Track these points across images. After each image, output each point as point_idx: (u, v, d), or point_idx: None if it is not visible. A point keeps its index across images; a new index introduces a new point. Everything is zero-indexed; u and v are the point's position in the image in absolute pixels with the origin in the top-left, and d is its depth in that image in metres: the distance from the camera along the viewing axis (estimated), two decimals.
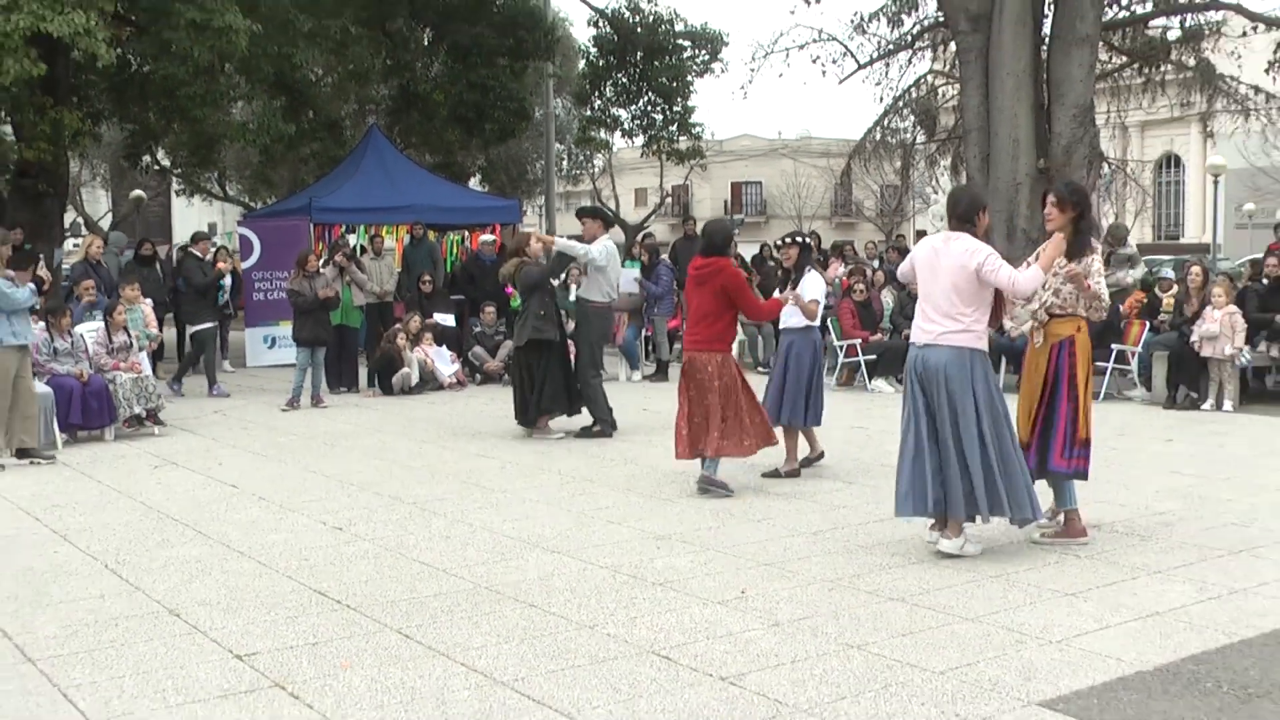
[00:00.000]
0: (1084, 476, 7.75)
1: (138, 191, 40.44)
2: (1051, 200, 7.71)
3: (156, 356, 17.39)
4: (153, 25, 18.22)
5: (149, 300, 15.41)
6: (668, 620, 6.12)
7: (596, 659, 5.55)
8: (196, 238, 17.52)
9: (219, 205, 48.37)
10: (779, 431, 9.95)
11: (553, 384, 12.16)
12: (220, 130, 21.82)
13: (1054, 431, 7.68)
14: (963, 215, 7.39)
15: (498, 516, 8.64)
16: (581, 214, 12.90)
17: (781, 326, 10.36)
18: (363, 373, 17.08)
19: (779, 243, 11.17)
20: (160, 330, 17.46)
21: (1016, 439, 7.46)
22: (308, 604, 6.50)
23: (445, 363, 16.98)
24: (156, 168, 33.04)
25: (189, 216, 57.27)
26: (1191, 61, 25.55)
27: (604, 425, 12.39)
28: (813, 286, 10.05)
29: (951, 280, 7.21)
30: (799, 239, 10.41)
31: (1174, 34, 25.62)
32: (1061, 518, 7.80)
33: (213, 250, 18.43)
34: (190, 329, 16.79)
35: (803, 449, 10.31)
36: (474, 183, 34.19)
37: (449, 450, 11.63)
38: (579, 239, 12.78)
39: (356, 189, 21.14)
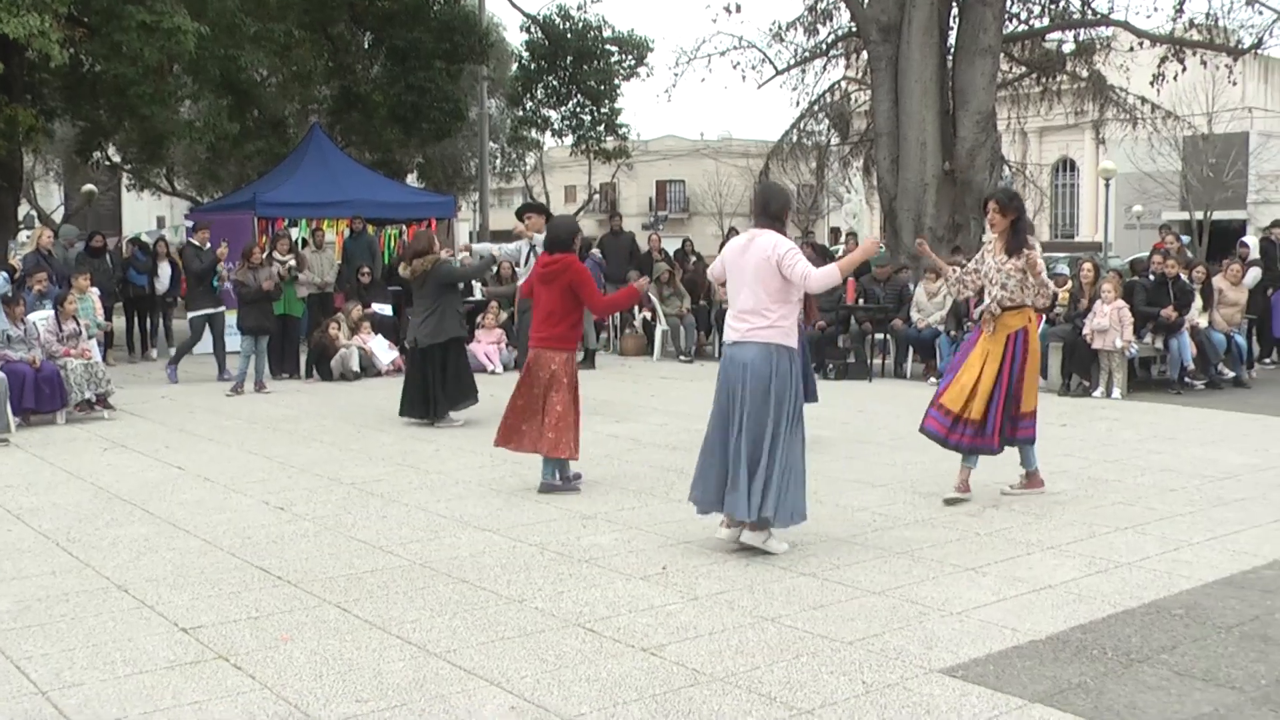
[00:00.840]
0: (1034, 440, 8.43)
1: (89, 186, 39.71)
2: (993, 207, 8.21)
3: (106, 344, 17.12)
4: (104, 27, 17.90)
5: (96, 290, 15.16)
6: (593, 595, 6.13)
7: (525, 631, 5.54)
8: (197, 227, 17.21)
9: (168, 200, 47.65)
10: None
11: (466, 377, 12.09)
12: (169, 128, 21.50)
13: (1016, 408, 8.21)
14: (774, 214, 7.05)
15: (432, 497, 8.60)
16: (523, 210, 12.78)
17: None
18: (304, 361, 16.89)
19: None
20: (110, 320, 17.22)
21: (803, 440, 7.05)
22: (250, 580, 6.43)
23: (383, 351, 16.84)
24: (107, 163, 32.51)
25: (139, 210, 56.31)
26: (1085, 73, 25.92)
27: None
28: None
29: (758, 277, 6.82)
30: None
31: (1069, 47, 26.00)
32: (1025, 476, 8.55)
33: (152, 242, 18.18)
34: (190, 314, 16.44)
35: None
36: (411, 179, 33.92)
37: (386, 434, 11.55)
38: (514, 236, 12.73)
39: (299, 185, 20.90)
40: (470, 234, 42.86)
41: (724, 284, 7.28)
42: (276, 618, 5.77)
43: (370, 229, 20.92)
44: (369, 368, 16.50)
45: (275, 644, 5.39)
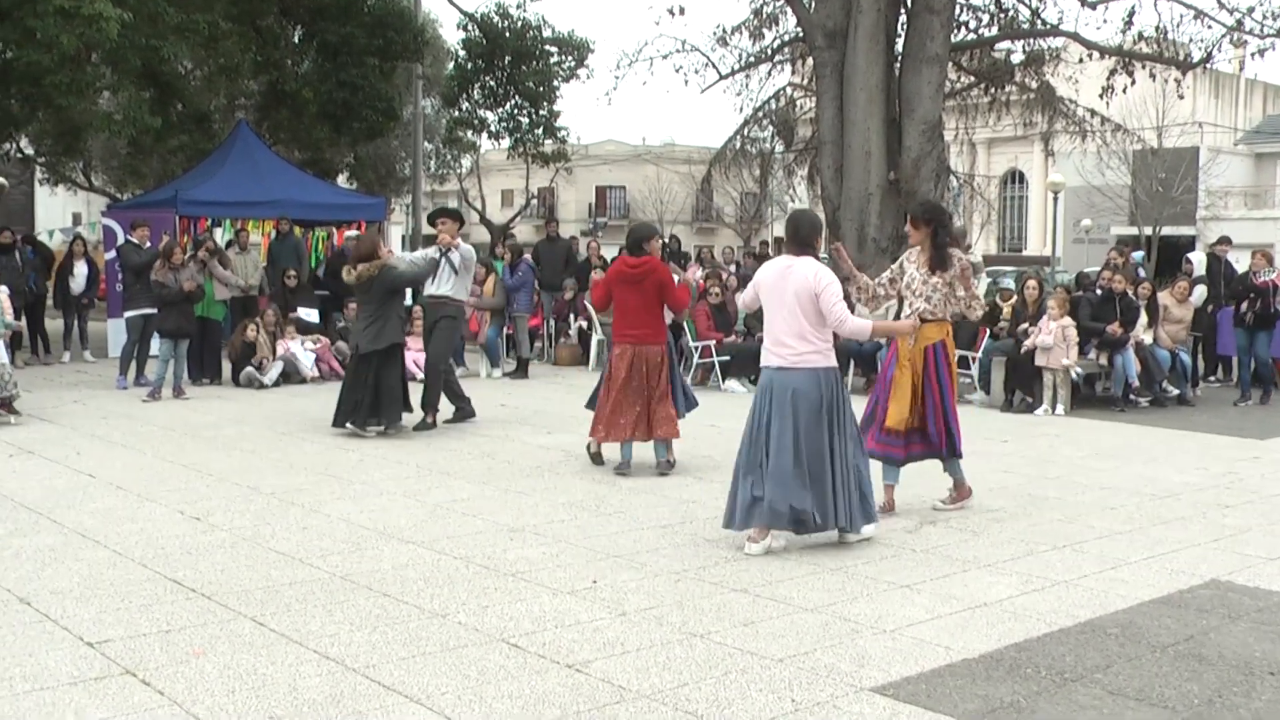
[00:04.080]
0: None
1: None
2: (909, 219, 8.44)
3: (14, 345, 16.86)
4: (17, 10, 17.63)
5: (5, 288, 14.92)
6: (518, 609, 6.14)
7: (447, 646, 5.54)
8: (135, 225, 16.91)
9: (84, 195, 47.02)
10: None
11: (399, 389, 12.05)
12: (86, 120, 21.24)
13: (951, 422, 8.44)
14: (805, 239, 7.53)
15: (354, 507, 8.57)
16: (437, 216, 12.74)
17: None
18: (226, 366, 16.74)
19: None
20: (20, 319, 16.94)
21: (862, 449, 7.69)
22: (162, 593, 6.38)
23: (308, 356, 16.74)
24: (19, 155, 32.03)
25: (53, 206, 55.61)
26: (1034, 84, 26.23)
27: (466, 408, 12.65)
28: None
29: (798, 304, 7.32)
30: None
31: (1018, 57, 26.28)
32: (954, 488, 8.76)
33: (68, 241, 17.92)
34: (127, 314, 16.04)
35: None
36: (341, 180, 33.75)
37: (308, 442, 11.49)
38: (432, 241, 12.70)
39: (224, 183, 20.73)
40: (403, 238, 42.68)
41: (751, 311, 8.04)
42: (189, 631, 5.73)
43: (297, 231, 20.79)
44: (293, 374, 16.39)
45: (186, 659, 5.36)
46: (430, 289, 12.53)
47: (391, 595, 6.36)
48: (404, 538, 7.68)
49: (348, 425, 11.87)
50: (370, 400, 11.82)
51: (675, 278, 10.30)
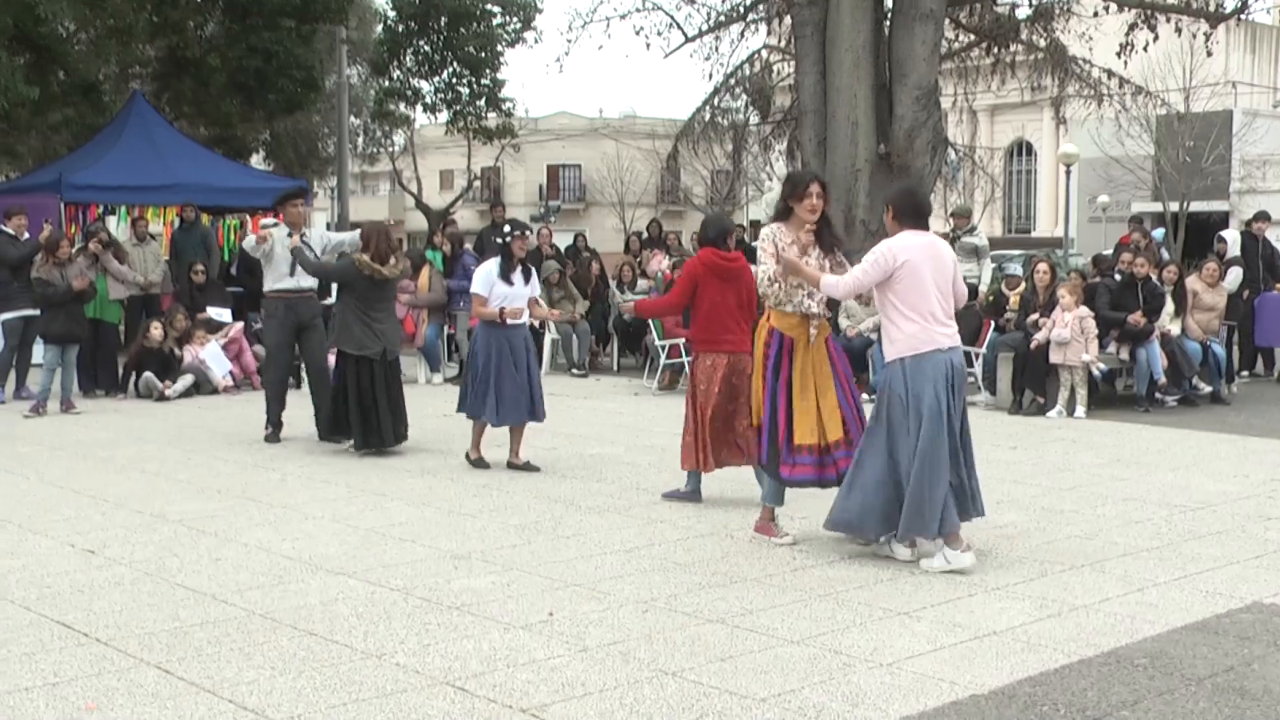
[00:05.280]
0: None
1: None
2: (819, 190, 8.38)
3: None
4: None
5: None
6: (464, 648, 6.13)
7: (384, 691, 5.53)
8: (9, 213, 16.73)
9: None
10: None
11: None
12: None
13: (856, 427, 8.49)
14: (925, 213, 7.98)
15: (276, 535, 8.54)
16: (289, 198, 12.75)
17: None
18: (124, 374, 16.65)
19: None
20: None
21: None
22: (48, 639, 6.33)
23: (219, 363, 16.66)
24: None
25: None
26: (1042, 42, 26.33)
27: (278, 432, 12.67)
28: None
29: (949, 281, 7.73)
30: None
31: (1024, 12, 26.40)
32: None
33: None
34: (3, 316, 15.77)
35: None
36: (256, 160, 33.64)
37: (222, 461, 11.44)
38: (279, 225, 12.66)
39: (117, 164, 20.61)
40: (327, 224, 42.52)
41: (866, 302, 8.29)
42: (81, 683, 5.69)
43: (205, 219, 20.71)
44: (203, 384, 16.32)
45: (79, 714, 5.32)
46: (294, 280, 12.51)
47: (319, 634, 6.34)
48: (333, 568, 7.66)
49: (378, 445, 11.74)
50: (395, 417, 11.80)
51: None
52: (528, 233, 11.33)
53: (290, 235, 12.39)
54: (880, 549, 7.91)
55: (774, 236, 8.33)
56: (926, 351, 7.60)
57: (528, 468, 10.92)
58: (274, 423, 12.61)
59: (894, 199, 8.06)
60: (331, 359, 12.48)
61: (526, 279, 11.10)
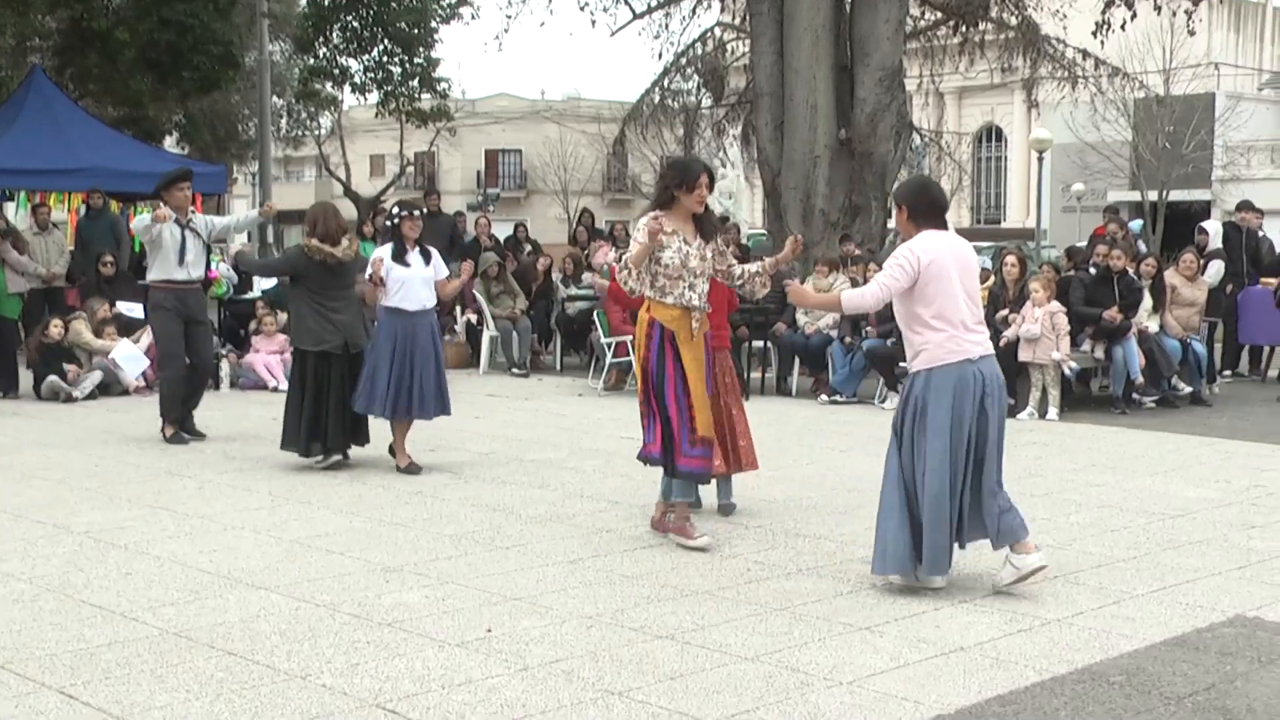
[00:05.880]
0: None
1: None
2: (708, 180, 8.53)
3: None
4: None
5: None
6: (396, 667, 6.12)
7: (309, 715, 5.51)
8: None
9: None
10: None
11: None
12: None
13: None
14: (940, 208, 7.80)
15: (192, 547, 8.49)
16: (176, 180, 12.70)
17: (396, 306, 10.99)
18: (26, 375, 16.51)
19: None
20: None
21: None
22: None
23: (132, 362, 16.55)
24: None
25: None
26: (1013, 20, 26.51)
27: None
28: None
29: (974, 283, 7.62)
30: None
31: None
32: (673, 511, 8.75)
33: None
34: None
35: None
36: (169, 143, 33.42)
37: (133, 468, 11.36)
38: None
39: (15, 146, 20.44)
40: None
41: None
42: None
43: (114, 206, 20.56)
44: (112, 384, 16.21)
45: None
46: (184, 271, 12.48)
47: (239, 654, 6.31)
48: (254, 582, 7.62)
49: (323, 455, 11.41)
50: (354, 418, 11.48)
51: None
52: (415, 213, 11.33)
53: (175, 221, 12.33)
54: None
55: (651, 225, 8.43)
56: (955, 362, 7.39)
57: (410, 469, 11.02)
58: (176, 422, 12.56)
59: (908, 197, 7.78)
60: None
61: (426, 260, 11.14)
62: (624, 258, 8.49)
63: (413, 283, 10.96)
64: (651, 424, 8.54)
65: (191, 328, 12.67)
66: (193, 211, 12.62)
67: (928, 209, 7.63)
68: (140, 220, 12.68)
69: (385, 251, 11.05)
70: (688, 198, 8.43)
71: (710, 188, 8.53)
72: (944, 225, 7.67)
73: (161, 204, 12.66)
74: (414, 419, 11.19)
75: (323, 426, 11.22)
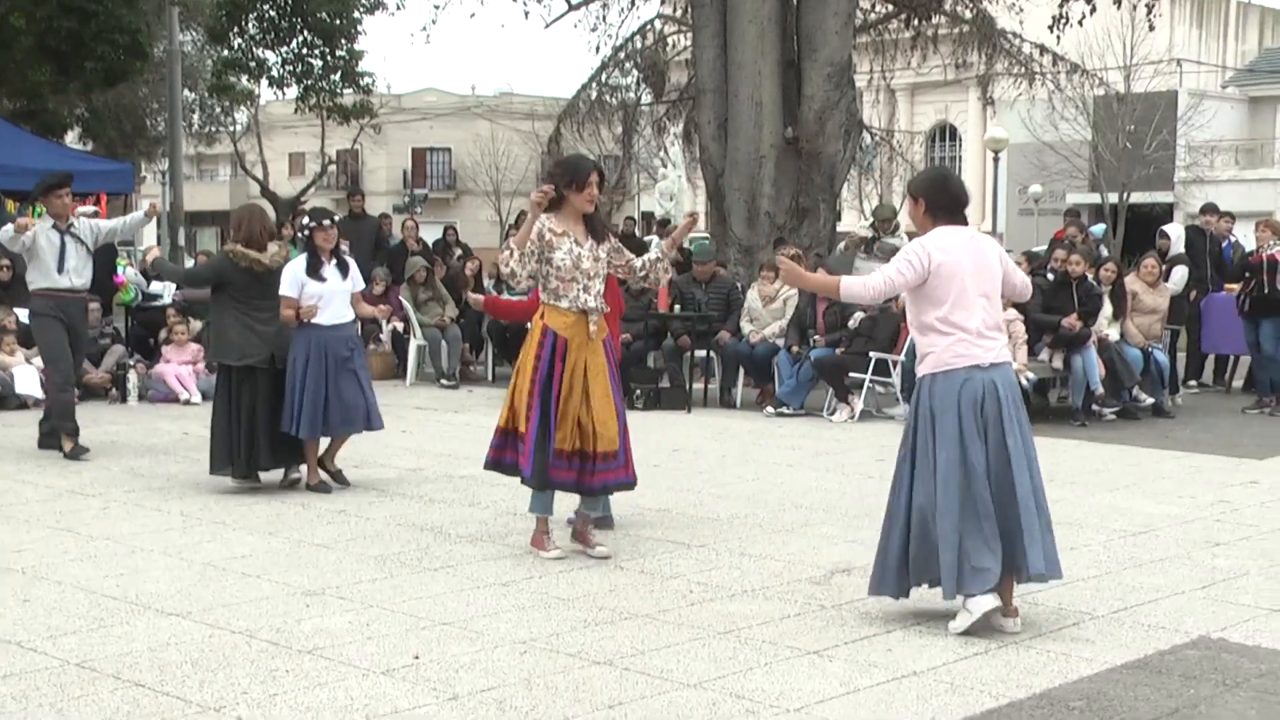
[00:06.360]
0: None
1: None
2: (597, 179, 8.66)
3: None
4: None
5: None
6: (317, 697, 6.09)
7: None
8: None
9: None
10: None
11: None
12: None
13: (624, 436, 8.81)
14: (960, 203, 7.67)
15: (97, 571, 8.42)
16: (49, 190, 12.65)
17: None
18: None
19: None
20: None
21: None
22: None
23: (28, 374, 16.40)
24: None
25: None
26: (968, 14, 26.69)
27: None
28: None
29: (995, 285, 7.47)
30: None
31: None
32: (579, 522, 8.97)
33: None
34: None
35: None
36: (71, 139, 33.16)
37: (31, 486, 11.26)
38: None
39: None
40: (158, 215, 41.94)
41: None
42: None
43: (11, 205, 20.35)
44: (9, 397, 16.07)
45: None
46: (65, 278, 12.43)
47: (147, 685, 6.26)
48: (164, 608, 7.57)
49: (252, 474, 11.23)
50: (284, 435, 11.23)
51: None
52: (326, 222, 11.16)
53: (54, 228, 12.26)
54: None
55: (541, 228, 8.54)
56: (961, 368, 7.26)
57: (338, 479, 11.06)
58: (73, 435, 12.49)
59: (924, 190, 7.62)
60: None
61: (344, 273, 11.03)
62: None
63: (329, 298, 10.83)
64: (510, 437, 8.70)
65: (70, 338, 12.58)
66: (91, 215, 12.52)
67: (947, 204, 7.49)
68: (5, 232, 12.55)
69: (299, 265, 10.90)
70: (577, 197, 8.55)
71: (600, 188, 8.66)
72: (963, 221, 7.53)
73: (44, 209, 12.60)
74: (333, 436, 11.11)
75: (256, 446, 11.01)
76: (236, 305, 11.08)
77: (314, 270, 10.84)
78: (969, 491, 7.15)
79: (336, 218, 11.22)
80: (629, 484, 8.94)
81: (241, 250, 11.03)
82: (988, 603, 7.07)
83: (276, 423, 11.02)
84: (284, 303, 10.80)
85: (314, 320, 10.77)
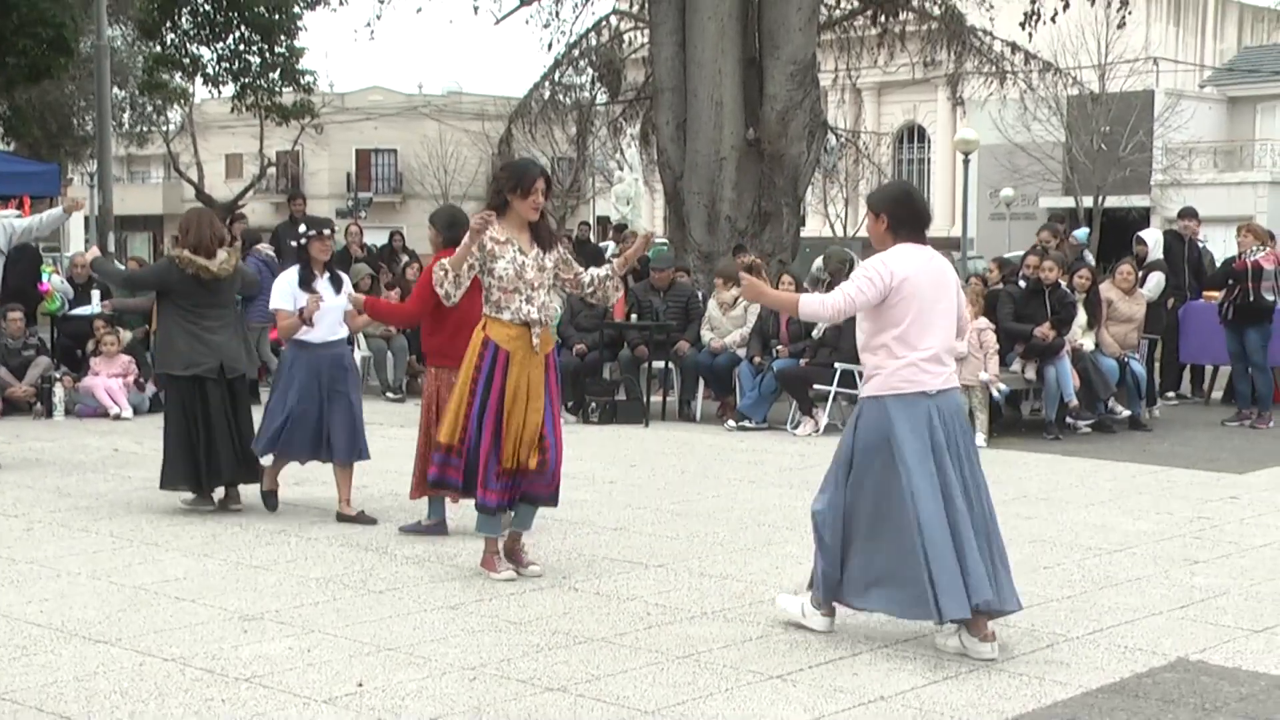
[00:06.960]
0: None
1: None
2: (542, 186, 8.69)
3: None
4: None
5: None
6: None
7: None
8: None
9: None
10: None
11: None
12: None
13: (557, 452, 8.78)
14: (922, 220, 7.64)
15: (19, 596, 8.36)
16: None
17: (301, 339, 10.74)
18: None
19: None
20: None
21: None
22: None
23: None
24: None
25: None
26: (937, 10, 26.77)
27: None
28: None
29: (952, 307, 7.49)
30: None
31: None
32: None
33: None
34: None
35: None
36: None
37: None
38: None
39: None
40: (86, 219, 41.80)
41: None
42: None
43: None
44: None
45: None
46: None
47: (73, 717, 6.23)
48: (92, 635, 7.52)
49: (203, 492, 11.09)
50: (240, 449, 11.08)
51: None
52: (326, 232, 11.02)
53: None
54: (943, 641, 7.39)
55: (476, 221, 8.58)
56: (909, 394, 7.25)
57: (361, 519, 10.58)
58: None
59: (886, 205, 7.59)
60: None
61: (337, 288, 10.78)
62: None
63: (321, 313, 10.58)
64: (446, 453, 8.74)
65: None
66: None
67: (910, 220, 7.50)
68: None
69: (291, 276, 10.72)
70: (522, 203, 8.57)
71: (547, 194, 8.67)
72: (924, 239, 7.52)
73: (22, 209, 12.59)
74: (304, 462, 10.96)
75: (215, 459, 10.85)
76: (182, 313, 10.91)
77: (306, 283, 10.63)
78: (951, 508, 7.19)
79: (327, 231, 11.02)
80: (553, 501, 8.94)
81: (189, 256, 10.85)
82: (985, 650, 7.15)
83: (235, 436, 10.93)
84: (279, 317, 10.64)
85: (304, 337, 10.58)
